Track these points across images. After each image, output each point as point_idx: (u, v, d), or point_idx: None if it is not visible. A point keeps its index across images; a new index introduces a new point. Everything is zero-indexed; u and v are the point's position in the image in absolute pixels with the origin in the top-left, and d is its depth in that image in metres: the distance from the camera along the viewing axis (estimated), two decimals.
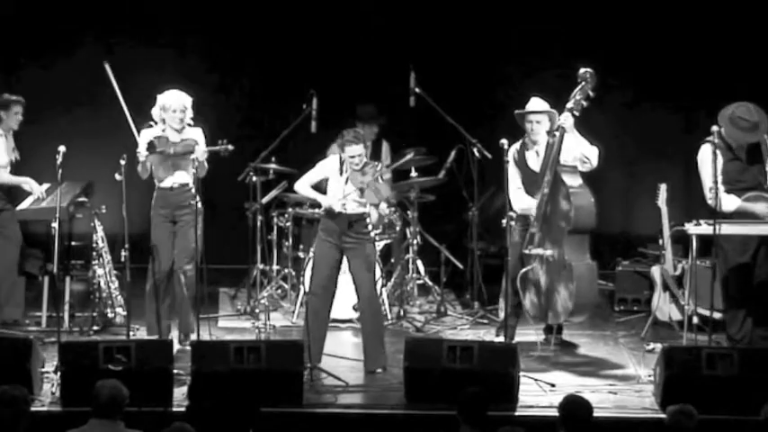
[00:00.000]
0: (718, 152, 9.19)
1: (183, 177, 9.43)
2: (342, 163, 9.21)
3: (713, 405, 7.88)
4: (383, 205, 9.44)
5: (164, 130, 9.40)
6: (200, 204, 9.33)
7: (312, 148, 10.54)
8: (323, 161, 9.40)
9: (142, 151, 9.32)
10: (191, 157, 9.28)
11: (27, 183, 9.99)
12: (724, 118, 9.40)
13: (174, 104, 9.38)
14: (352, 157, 9.10)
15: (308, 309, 9.06)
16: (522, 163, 9.51)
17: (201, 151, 9.36)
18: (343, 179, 9.21)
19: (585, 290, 9.31)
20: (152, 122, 9.46)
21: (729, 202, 9.34)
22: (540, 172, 9.41)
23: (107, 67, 9.76)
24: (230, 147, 9.47)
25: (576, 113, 9.31)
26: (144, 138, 9.41)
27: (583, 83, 9.34)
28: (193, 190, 9.32)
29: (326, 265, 9.23)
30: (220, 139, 9.46)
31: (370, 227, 9.32)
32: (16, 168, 10.02)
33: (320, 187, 9.40)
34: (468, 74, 11.79)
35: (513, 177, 9.40)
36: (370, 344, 9.21)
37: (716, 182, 9.16)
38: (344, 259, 9.28)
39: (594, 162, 9.37)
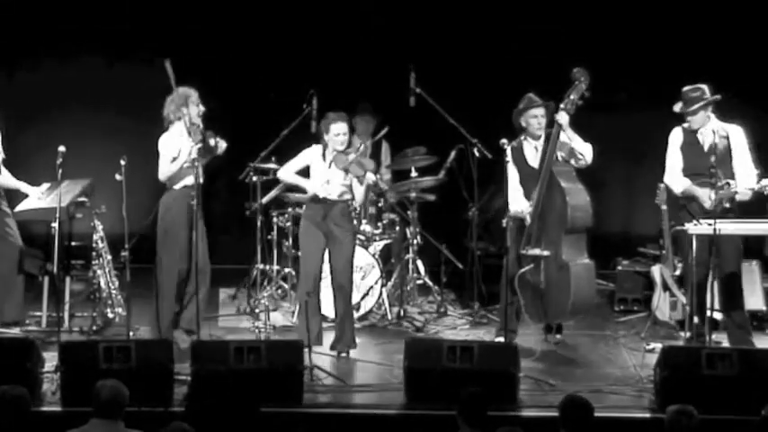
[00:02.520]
0: (680, 135, 9.43)
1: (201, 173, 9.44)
2: (324, 150, 9.31)
3: (713, 405, 7.88)
4: (369, 174, 9.43)
5: (189, 126, 9.33)
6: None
7: None
8: (305, 149, 9.49)
9: (196, 145, 9.23)
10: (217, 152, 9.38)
11: (23, 188, 9.91)
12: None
13: (196, 100, 9.37)
14: (337, 135, 9.24)
15: (307, 304, 9.20)
16: (520, 160, 9.50)
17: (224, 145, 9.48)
18: (327, 164, 9.33)
19: (584, 289, 9.32)
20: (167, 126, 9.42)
21: (679, 184, 9.41)
22: (538, 168, 9.41)
23: (167, 64, 9.63)
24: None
25: (571, 112, 9.31)
26: (169, 141, 9.33)
27: (576, 82, 9.34)
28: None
29: (315, 252, 9.39)
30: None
31: (354, 213, 9.44)
32: (14, 168, 9.97)
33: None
34: (468, 74, 11.79)
35: (512, 177, 9.41)
36: (345, 327, 9.38)
37: (669, 163, 9.43)
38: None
39: (589, 159, 9.37)
